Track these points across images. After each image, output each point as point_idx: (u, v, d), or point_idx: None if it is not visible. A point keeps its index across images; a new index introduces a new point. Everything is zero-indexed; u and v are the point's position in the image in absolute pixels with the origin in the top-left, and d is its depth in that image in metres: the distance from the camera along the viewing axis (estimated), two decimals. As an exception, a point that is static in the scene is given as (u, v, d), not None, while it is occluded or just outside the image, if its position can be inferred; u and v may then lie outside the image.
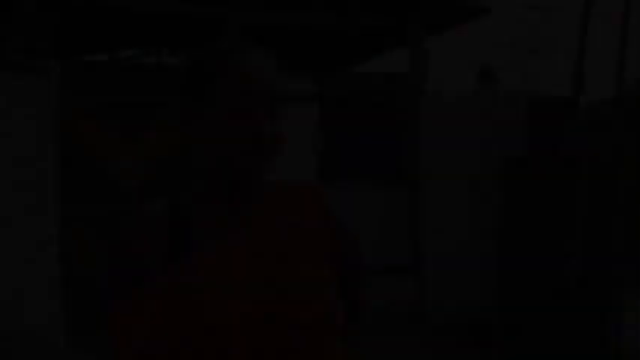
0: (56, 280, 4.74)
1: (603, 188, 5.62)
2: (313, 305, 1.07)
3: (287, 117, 1.15)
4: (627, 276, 5.45)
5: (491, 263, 5.64)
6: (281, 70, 1.15)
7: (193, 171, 1.13)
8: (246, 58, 1.12)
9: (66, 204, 5.10)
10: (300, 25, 6.87)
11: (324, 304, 1.09)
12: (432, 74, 6.93)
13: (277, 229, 1.14)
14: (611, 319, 5.70)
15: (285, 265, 1.09)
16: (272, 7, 6.46)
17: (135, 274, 1.05)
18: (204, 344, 1.00)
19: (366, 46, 8.47)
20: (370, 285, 1.45)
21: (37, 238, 4.62)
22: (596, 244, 5.59)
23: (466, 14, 6.87)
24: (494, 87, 6.26)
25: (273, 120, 1.10)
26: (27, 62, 4.68)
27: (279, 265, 1.09)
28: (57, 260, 4.74)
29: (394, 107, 7.26)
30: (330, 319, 1.10)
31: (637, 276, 5.99)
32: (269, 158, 1.11)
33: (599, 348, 5.65)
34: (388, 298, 6.31)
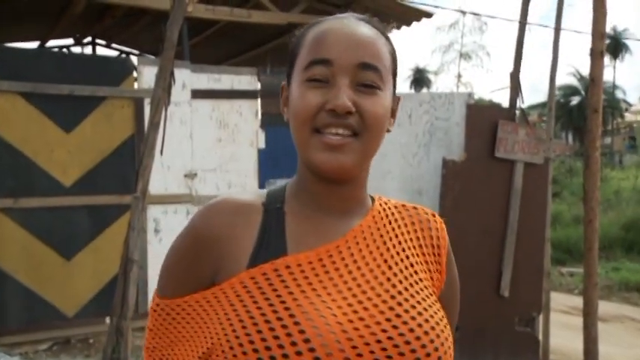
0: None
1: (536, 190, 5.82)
2: (432, 338, 0.91)
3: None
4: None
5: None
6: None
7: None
8: (323, 22, 0.99)
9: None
10: (249, 23, 6.80)
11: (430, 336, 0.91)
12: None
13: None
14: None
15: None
16: (224, 3, 6.40)
17: None
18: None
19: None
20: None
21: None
22: (528, 246, 5.77)
23: (412, 17, 6.97)
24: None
25: (359, 92, 0.93)
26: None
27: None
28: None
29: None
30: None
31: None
32: (366, 141, 0.94)
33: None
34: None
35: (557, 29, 6.17)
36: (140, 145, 4.53)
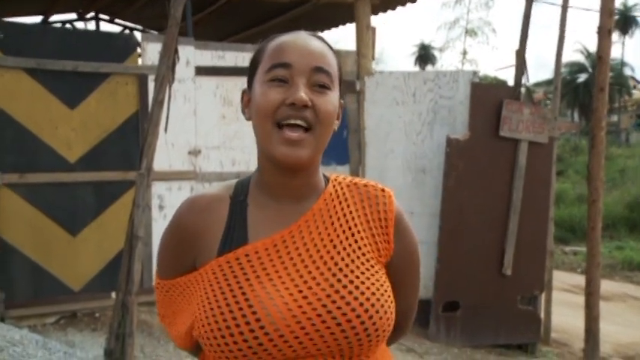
0: None
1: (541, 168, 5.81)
2: (367, 308, 1.06)
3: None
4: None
5: (432, 240, 5.76)
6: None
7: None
8: (281, 36, 1.14)
9: (-2, 173, 4.89)
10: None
11: (376, 309, 1.07)
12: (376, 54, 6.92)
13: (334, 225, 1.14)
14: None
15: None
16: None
17: None
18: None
19: (315, 22, 8.41)
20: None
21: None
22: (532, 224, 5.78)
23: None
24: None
25: (314, 91, 1.08)
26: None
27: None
28: None
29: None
30: (381, 325, 1.08)
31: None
32: (318, 135, 1.09)
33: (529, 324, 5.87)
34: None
35: (565, 7, 6.11)
36: (144, 121, 4.54)
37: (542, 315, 5.94)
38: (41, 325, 5.02)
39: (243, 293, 1.06)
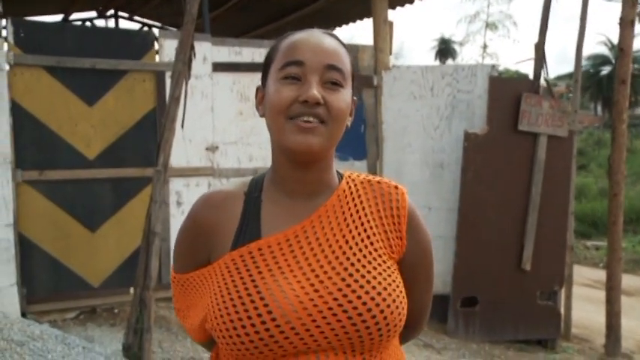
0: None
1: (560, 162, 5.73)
2: (378, 302, 1.07)
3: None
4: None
5: (450, 235, 5.73)
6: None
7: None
8: (294, 34, 1.15)
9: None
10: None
11: (388, 305, 1.08)
12: (394, 48, 6.88)
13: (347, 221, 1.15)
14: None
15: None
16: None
17: None
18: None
19: (333, 17, 8.38)
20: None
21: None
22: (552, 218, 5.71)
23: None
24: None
25: (326, 89, 1.09)
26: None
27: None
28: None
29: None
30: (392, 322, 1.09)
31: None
32: (331, 129, 1.10)
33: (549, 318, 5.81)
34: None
35: (585, -2, 6.00)
36: (162, 118, 4.56)
37: (563, 310, 5.87)
38: (61, 320, 5.08)
39: (255, 285, 1.07)
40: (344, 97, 1.11)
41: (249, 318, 1.05)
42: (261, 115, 1.18)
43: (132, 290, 4.46)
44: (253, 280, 1.08)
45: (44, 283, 5.16)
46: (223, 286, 1.11)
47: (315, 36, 1.14)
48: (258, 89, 1.20)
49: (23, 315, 4.82)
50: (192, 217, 1.20)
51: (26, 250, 5.06)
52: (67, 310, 5.20)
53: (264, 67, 1.18)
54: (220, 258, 1.14)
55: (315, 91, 1.07)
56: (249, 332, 1.04)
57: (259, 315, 1.04)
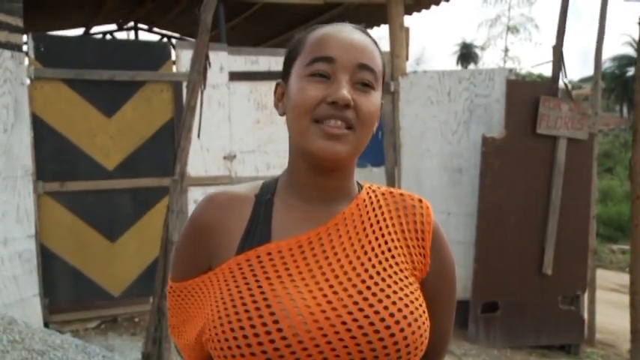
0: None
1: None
2: (398, 319, 0.95)
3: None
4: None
5: (469, 240, 5.68)
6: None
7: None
8: (324, 27, 1.05)
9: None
10: (286, 4, 6.78)
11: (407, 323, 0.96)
12: (413, 53, 6.86)
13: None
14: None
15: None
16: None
17: None
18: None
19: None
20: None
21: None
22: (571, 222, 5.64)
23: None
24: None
25: (356, 90, 1.00)
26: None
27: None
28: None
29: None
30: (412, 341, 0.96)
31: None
32: (359, 135, 1.00)
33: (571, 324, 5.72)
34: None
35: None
36: (179, 128, 4.61)
37: (586, 315, 5.78)
38: (83, 329, 5.14)
39: (262, 292, 0.95)
40: (375, 100, 1.01)
41: (253, 327, 0.92)
42: (281, 114, 1.08)
43: (151, 299, 4.50)
44: (260, 287, 0.96)
45: (66, 293, 5.23)
46: (226, 292, 0.98)
47: (346, 30, 1.03)
48: (278, 84, 1.09)
49: (46, 325, 4.89)
50: (193, 218, 1.08)
51: (48, 260, 5.13)
52: (88, 320, 5.26)
53: (286, 61, 1.07)
54: (224, 262, 1.02)
55: (346, 92, 0.97)
56: (250, 343, 0.92)
57: (264, 324, 0.92)
